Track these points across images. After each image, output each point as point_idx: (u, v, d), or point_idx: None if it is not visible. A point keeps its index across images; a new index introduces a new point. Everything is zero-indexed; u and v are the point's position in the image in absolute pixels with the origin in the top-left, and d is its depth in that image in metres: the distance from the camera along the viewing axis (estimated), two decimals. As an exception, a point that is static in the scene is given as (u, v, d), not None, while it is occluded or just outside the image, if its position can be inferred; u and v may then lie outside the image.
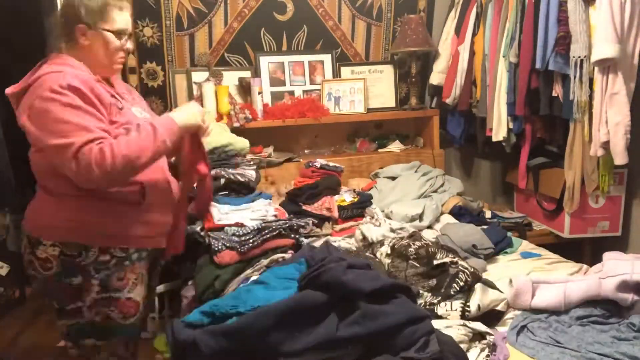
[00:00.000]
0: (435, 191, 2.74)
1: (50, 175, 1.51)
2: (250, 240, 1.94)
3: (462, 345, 1.34)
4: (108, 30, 1.57)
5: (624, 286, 1.53)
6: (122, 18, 1.60)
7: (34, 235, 1.54)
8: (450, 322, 1.45)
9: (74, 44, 1.58)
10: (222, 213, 2.10)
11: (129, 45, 1.64)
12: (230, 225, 2.03)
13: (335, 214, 2.40)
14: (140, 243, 1.61)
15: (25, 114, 1.46)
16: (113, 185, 1.50)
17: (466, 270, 1.65)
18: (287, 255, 1.94)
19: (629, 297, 1.52)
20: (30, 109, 1.44)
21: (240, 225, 2.03)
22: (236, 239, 1.94)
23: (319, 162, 2.67)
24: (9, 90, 1.54)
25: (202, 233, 2.06)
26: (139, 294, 1.63)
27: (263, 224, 1.99)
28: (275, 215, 2.16)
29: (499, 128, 2.74)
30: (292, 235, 2.06)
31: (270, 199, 2.33)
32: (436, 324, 1.41)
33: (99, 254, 1.53)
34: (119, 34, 1.59)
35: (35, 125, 1.43)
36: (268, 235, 1.98)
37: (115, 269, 1.57)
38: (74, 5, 1.55)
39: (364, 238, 2.11)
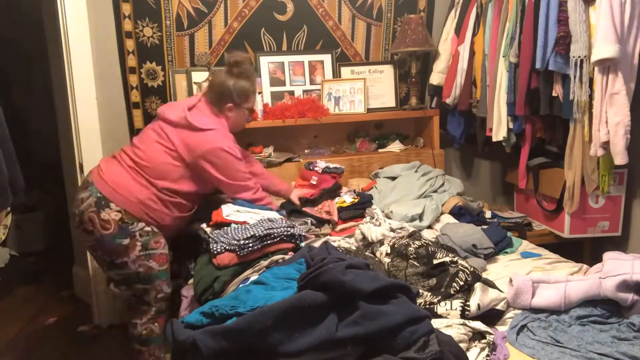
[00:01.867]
0: (435, 191, 2.74)
1: (164, 175, 2.12)
2: (250, 245, 1.94)
3: (462, 345, 1.34)
4: (247, 109, 2.31)
5: (624, 286, 1.53)
6: (256, 99, 2.37)
7: (108, 198, 2.05)
8: (450, 322, 1.45)
9: (221, 112, 2.24)
10: (233, 211, 2.12)
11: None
12: (237, 222, 2.05)
13: (335, 217, 2.40)
14: (164, 233, 2.20)
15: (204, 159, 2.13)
16: None
17: (466, 270, 1.65)
18: (287, 257, 1.93)
19: (629, 297, 1.52)
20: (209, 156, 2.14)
21: (244, 224, 2.04)
22: (235, 242, 1.93)
23: (320, 165, 2.67)
24: (180, 114, 2.16)
25: (208, 230, 2.06)
26: (167, 249, 2.22)
27: (265, 231, 1.98)
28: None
29: (499, 128, 2.74)
30: (292, 241, 2.05)
31: (285, 215, 2.31)
32: (436, 323, 1.41)
33: (145, 226, 2.11)
34: (251, 111, 2.38)
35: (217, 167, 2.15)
36: (268, 242, 1.98)
37: (153, 236, 2.13)
38: (230, 88, 2.22)
39: (364, 237, 2.11)
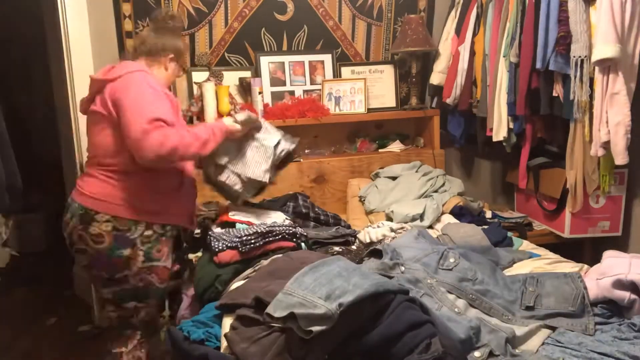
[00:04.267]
0: (435, 191, 2.74)
1: (113, 153, 1.83)
2: (252, 241, 1.94)
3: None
4: (181, 66, 2.14)
5: (620, 285, 1.53)
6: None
7: (92, 209, 1.82)
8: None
9: (157, 62, 2.04)
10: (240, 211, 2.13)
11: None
12: (241, 222, 2.06)
13: None
14: (175, 220, 1.97)
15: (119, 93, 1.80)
16: (157, 165, 1.83)
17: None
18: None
19: (626, 295, 1.52)
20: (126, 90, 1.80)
21: (250, 224, 2.05)
22: (237, 239, 1.94)
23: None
24: (98, 76, 1.90)
25: (212, 227, 2.07)
26: (169, 263, 1.99)
27: (267, 228, 1.98)
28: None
29: (500, 128, 2.74)
30: (294, 240, 2.05)
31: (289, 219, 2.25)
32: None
33: (145, 230, 1.86)
34: (184, 69, 2.22)
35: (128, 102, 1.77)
36: (270, 239, 1.98)
37: (155, 242, 1.89)
38: (174, 42, 2.06)
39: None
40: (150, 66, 2.02)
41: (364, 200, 2.78)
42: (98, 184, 1.86)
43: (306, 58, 3.10)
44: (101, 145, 1.86)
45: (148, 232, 1.87)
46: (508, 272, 1.90)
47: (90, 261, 1.87)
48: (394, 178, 2.84)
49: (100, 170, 1.87)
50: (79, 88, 2.82)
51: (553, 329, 1.50)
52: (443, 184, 2.80)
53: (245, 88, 2.97)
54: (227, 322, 1.47)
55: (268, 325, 1.29)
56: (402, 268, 1.67)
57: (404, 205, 2.56)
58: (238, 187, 2.11)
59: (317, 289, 1.22)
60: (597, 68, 2.18)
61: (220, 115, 2.81)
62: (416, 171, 2.88)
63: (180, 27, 2.18)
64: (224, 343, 1.41)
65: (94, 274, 1.89)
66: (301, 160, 2.96)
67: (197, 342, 1.49)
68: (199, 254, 2.41)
